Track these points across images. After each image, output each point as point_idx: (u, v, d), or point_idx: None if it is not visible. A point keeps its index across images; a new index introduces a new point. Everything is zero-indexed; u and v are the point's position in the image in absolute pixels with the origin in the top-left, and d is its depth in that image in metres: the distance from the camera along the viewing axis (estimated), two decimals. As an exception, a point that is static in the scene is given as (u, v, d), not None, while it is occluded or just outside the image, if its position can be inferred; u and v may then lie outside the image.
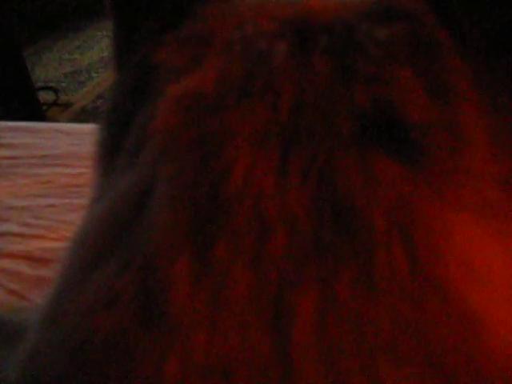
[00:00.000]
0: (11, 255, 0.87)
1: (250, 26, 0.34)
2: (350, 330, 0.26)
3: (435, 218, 0.28)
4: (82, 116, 2.95)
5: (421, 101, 0.30)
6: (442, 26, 0.32)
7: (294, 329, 0.26)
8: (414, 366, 0.26)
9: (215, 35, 0.34)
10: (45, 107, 2.97)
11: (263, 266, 0.27)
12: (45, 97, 3.06)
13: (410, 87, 0.30)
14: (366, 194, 0.28)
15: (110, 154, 0.37)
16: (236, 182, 0.28)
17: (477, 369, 0.26)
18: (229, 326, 0.26)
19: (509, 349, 0.27)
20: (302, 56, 0.32)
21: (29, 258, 0.86)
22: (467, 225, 0.28)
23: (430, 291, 0.27)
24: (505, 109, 0.31)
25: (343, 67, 0.31)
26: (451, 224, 0.28)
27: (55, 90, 3.13)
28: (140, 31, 0.39)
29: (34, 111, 2.84)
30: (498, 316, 0.27)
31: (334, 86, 0.30)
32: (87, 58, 3.53)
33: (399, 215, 0.28)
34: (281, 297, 0.27)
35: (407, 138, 0.29)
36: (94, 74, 3.33)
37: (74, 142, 1.12)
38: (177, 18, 0.37)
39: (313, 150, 0.29)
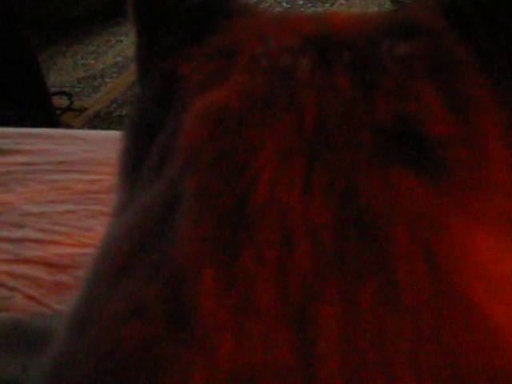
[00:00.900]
0: (29, 261, 0.88)
1: (273, 41, 0.35)
2: (372, 342, 0.26)
3: (456, 230, 0.28)
4: (95, 121, 2.97)
5: (442, 116, 0.30)
6: (462, 41, 0.33)
7: (318, 340, 0.26)
8: (435, 377, 0.26)
9: (240, 50, 0.35)
10: (59, 112, 2.99)
11: (288, 278, 0.28)
12: (59, 101, 3.07)
13: (430, 102, 0.31)
14: (388, 207, 0.28)
15: (134, 163, 0.37)
16: (261, 195, 0.29)
17: (496, 378, 0.26)
18: (254, 336, 0.27)
19: None
20: (325, 72, 0.32)
21: (46, 263, 0.87)
22: (488, 237, 0.29)
23: (451, 303, 0.27)
24: None
25: (365, 83, 0.31)
26: (472, 236, 0.28)
27: (69, 95, 3.15)
28: (163, 44, 0.39)
29: (48, 116, 2.86)
30: None
31: (356, 101, 0.31)
32: (101, 63, 3.54)
33: (421, 228, 0.28)
34: (305, 308, 0.27)
35: (428, 153, 0.29)
36: (108, 79, 3.35)
37: (89, 148, 1.12)
38: (201, 32, 0.37)
39: (336, 165, 0.29)
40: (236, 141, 0.31)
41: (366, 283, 0.27)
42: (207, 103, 0.32)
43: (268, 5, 3.57)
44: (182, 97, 0.35)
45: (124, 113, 2.91)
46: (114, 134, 1.17)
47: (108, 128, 2.85)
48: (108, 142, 1.11)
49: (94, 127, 2.90)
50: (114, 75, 3.32)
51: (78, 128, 2.90)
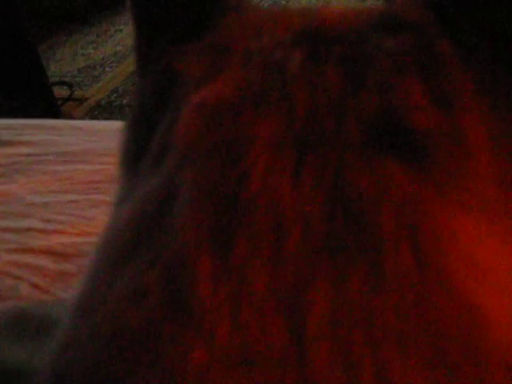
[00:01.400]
0: (33, 250, 0.90)
1: (267, 36, 0.36)
2: (360, 323, 0.28)
3: (440, 217, 0.30)
4: (96, 111, 2.98)
5: (425, 108, 0.32)
6: (445, 35, 0.34)
7: (309, 322, 0.28)
8: (419, 355, 0.27)
9: (234, 45, 0.36)
10: (60, 102, 3.00)
11: (280, 264, 0.29)
12: (59, 92, 3.08)
13: (415, 95, 0.32)
14: (374, 195, 0.30)
15: (135, 155, 0.39)
16: (255, 184, 0.31)
17: (479, 357, 0.28)
18: (249, 319, 0.28)
19: (509, 339, 0.28)
20: (315, 65, 0.34)
21: (51, 252, 0.89)
22: (470, 223, 0.30)
23: (434, 285, 0.28)
24: (505, 114, 0.33)
25: (354, 77, 0.33)
26: (455, 223, 0.30)
27: (70, 85, 3.15)
28: (160, 39, 0.41)
29: (50, 106, 2.87)
30: (499, 309, 0.29)
31: (344, 94, 0.32)
32: (101, 52, 3.55)
33: (406, 215, 0.29)
34: (296, 293, 0.29)
35: (413, 143, 0.31)
36: (108, 69, 3.35)
37: (91, 138, 1.14)
38: (197, 28, 0.39)
39: (325, 156, 0.31)
40: (230, 133, 0.32)
41: (354, 268, 0.29)
42: (202, 98, 0.34)
43: (267, -8, 3.57)
44: (178, 91, 0.36)
45: (125, 102, 2.92)
46: (115, 124, 1.19)
47: (109, 117, 2.87)
48: (109, 132, 1.13)
49: (95, 117, 2.92)
50: (114, 64, 3.33)
51: (80, 118, 2.91)
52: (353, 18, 0.37)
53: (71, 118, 2.89)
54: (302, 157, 0.31)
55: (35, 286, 0.85)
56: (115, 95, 3.05)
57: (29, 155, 1.12)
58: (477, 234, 0.30)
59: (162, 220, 0.32)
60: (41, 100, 2.85)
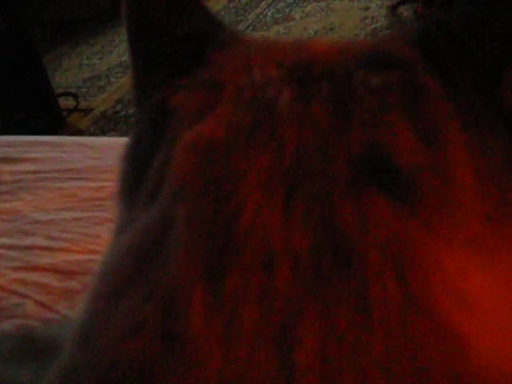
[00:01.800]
0: (38, 268, 0.91)
1: (258, 72, 0.37)
2: (348, 356, 0.29)
3: (426, 252, 0.30)
4: (101, 121, 3.00)
5: (412, 145, 0.32)
6: (432, 71, 0.35)
7: (298, 357, 0.29)
8: None
9: (226, 81, 0.37)
10: (65, 113, 3.01)
11: (270, 299, 0.30)
12: (65, 103, 3.10)
13: (402, 133, 0.33)
14: (361, 231, 0.30)
15: (132, 186, 0.40)
16: (246, 222, 0.31)
17: None
18: (240, 353, 0.29)
19: (497, 370, 0.29)
20: (304, 103, 0.34)
21: (55, 270, 0.90)
22: (456, 258, 0.31)
23: (421, 320, 0.29)
24: (491, 148, 0.34)
25: (341, 114, 0.34)
26: (441, 258, 0.31)
27: (75, 96, 3.17)
28: (156, 74, 0.42)
29: (55, 117, 2.89)
30: (484, 339, 0.30)
31: (332, 132, 0.33)
32: (106, 63, 3.57)
33: (392, 251, 0.30)
34: (286, 329, 0.29)
35: (399, 181, 0.32)
36: (113, 79, 3.37)
37: (95, 155, 1.15)
38: (191, 63, 0.40)
39: (313, 193, 0.32)
40: (222, 171, 0.33)
41: (342, 303, 0.29)
42: (194, 135, 0.35)
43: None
44: (173, 127, 0.37)
45: (130, 112, 2.93)
46: (120, 141, 1.19)
47: (114, 128, 2.88)
48: (113, 149, 1.14)
49: (100, 127, 2.93)
50: (119, 75, 3.34)
51: (85, 128, 2.93)
52: (341, 53, 0.38)
53: (77, 128, 2.90)
54: (291, 193, 0.32)
55: (40, 303, 0.86)
56: (120, 105, 3.07)
57: (34, 172, 1.13)
58: (462, 267, 0.31)
59: (157, 254, 0.33)
60: (47, 111, 2.86)
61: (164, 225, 0.34)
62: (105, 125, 2.96)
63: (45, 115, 2.86)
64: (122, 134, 2.72)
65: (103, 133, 2.88)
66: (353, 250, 0.30)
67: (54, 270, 0.90)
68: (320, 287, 0.30)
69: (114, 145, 1.16)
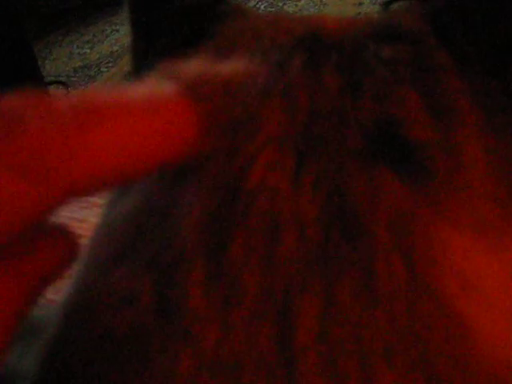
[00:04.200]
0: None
1: (267, 41, 0.36)
2: (349, 334, 0.27)
3: (434, 232, 0.29)
4: (91, 110, 2.97)
5: (423, 120, 0.31)
6: (443, 47, 0.34)
7: (298, 332, 0.28)
8: (407, 368, 0.27)
9: (235, 47, 0.36)
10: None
11: (273, 269, 0.28)
12: (55, 91, 3.07)
13: (412, 106, 0.31)
14: (370, 206, 0.29)
15: None
16: (255, 179, 0.30)
17: (468, 371, 0.28)
18: (238, 327, 0.28)
19: (499, 354, 0.28)
20: (313, 71, 0.33)
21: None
22: (464, 239, 0.30)
23: (425, 300, 0.28)
24: (502, 128, 0.33)
25: (351, 84, 0.32)
26: (449, 238, 0.29)
27: (65, 85, 3.15)
28: (159, 43, 0.41)
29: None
30: (489, 324, 0.29)
31: (342, 102, 0.32)
32: (97, 52, 3.54)
33: (399, 227, 0.29)
34: (287, 300, 0.28)
35: (410, 156, 0.31)
36: (104, 69, 3.35)
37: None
38: (196, 35, 0.38)
39: (324, 162, 0.30)
40: (240, 116, 0.31)
41: (346, 277, 0.28)
42: (212, 75, 0.33)
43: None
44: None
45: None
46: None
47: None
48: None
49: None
50: (110, 64, 3.32)
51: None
52: (351, 26, 0.37)
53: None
54: (302, 158, 0.30)
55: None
56: (110, 95, 3.04)
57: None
58: (471, 249, 0.30)
59: (163, 219, 0.31)
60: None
61: (171, 183, 0.32)
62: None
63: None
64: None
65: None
66: (361, 224, 0.29)
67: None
68: (325, 260, 0.29)
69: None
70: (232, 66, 0.34)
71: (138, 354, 0.29)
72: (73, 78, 3.30)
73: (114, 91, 0.29)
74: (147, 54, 0.41)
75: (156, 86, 0.31)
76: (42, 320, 0.59)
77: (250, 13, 0.41)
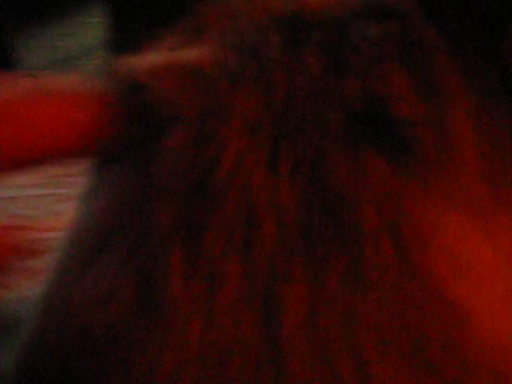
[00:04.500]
0: (-2, 247, 0.88)
1: (243, 19, 0.34)
2: (338, 321, 0.27)
3: (422, 211, 0.28)
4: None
5: (410, 98, 0.30)
6: (431, 24, 0.32)
7: (284, 320, 0.27)
8: (399, 354, 0.26)
9: (209, 26, 0.34)
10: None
11: (253, 257, 0.27)
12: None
13: (399, 84, 0.30)
14: (355, 188, 0.28)
15: None
16: (227, 166, 0.29)
17: (462, 357, 0.27)
18: (222, 317, 0.27)
19: (493, 339, 0.27)
20: (293, 50, 0.32)
21: (16, 250, 0.87)
22: (454, 220, 0.29)
23: (416, 283, 0.27)
24: (493, 108, 0.31)
25: (334, 63, 0.31)
26: (438, 219, 0.28)
27: (44, 78, 3.13)
28: (135, 25, 0.39)
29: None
30: (483, 308, 0.28)
31: (325, 80, 0.30)
32: (78, 44, 3.52)
33: (388, 210, 0.28)
34: (270, 288, 0.27)
35: (396, 134, 0.29)
36: (86, 62, 3.33)
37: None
38: (171, 15, 0.37)
39: (303, 143, 0.29)
40: (209, 104, 0.30)
41: (333, 262, 0.27)
42: (178, 63, 0.32)
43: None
44: None
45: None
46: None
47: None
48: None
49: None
50: (91, 57, 3.30)
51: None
52: (334, 4, 0.35)
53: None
54: (278, 142, 0.29)
55: (1, 284, 0.82)
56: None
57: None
58: (461, 230, 0.29)
59: (139, 211, 0.30)
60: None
61: (145, 174, 0.30)
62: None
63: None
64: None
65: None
66: (345, 207, 0.28)
67: (13, 249, 0.87)
68: (308, 246, 0.27)
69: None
70: (201, 51, 0.32)
71: (118, 351, 0.28)
72: (53, 71, 3.28)
73: (48, 81, 0.30)
74: (125, 34, 0.40)
75: (86, 82, 0.31)
76: (17, 317, 0.57)
77: None
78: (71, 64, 3.29)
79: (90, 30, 3.61)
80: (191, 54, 0.32)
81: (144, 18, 0.39)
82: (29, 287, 0.81)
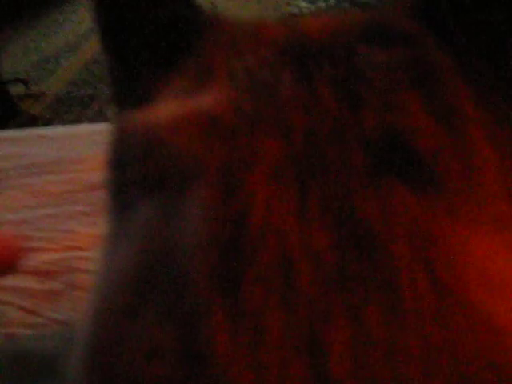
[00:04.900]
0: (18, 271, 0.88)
1: (250, 55, 0.34)
2: (382, 358, 0.27)
3: (452, 238, 0.29)
4: (55, 104, 2.92)
5: (428, 126, 0.30)
6: (441, 47, 0.33)
7: (331, 365, 0.27)
8: (444, 381, 0.27)
9: (217, 66, 0.34)
10: (17, 100, 2.93)
11: (293, 304, 0.28)
12: (15, 89, 3.01)
13: (416, 112, 0.30)
14: (385, 222, 0.28)
15: (122, 185, 0.36)
16: (258, 214, 0.29)
17: (505, 378, 0.27)
18: (270, 364, 0.27)
19: None
20: (306, 85, 0.31)
21: (34, 272, 0.87)
22: (483, 240, 0.29)
23: (453, 309, 0.27)
24: (506, 122, 0.32)
25: (348, 95, 0.31)
26: (468, 242, 0.29)
27: (25, 82, 3.09)
28: (137, 66, 0.39)
29: (7, 105, 2.80)
30: None
31: (342, 115, 0.30)
32: (53, 44, 3.47)
33: (417, 239, 0.28)
34: (314, 334, 0.27)
35: (419, 164, 0.29)
36: (62, 60, 3.28)
37: (58, 146, 1.11)
38: (174, 52, 0.37)
39: (329, 183, 0.29)
40: (230, 152, 0.30)
41: (371, 301, 0.27)
42: (194, 109, 0.31)
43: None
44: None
45: (83, 92, 2.86)
46: (82, 129, 1.16)
47: (69, 110, 2.81)
48: (77, 138, 1.10)
49: (55, 111, 2.86)
50: (68, 55, 3.25)
51: (39, 113, 2.85)
52: (337, 27, 0.35)
53: (30, 115, 2.83)
54: (304, 184, 0.29)
55: (23, 309, 0.83)
56: (73, 86, 3.00)
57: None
58: (490, 249, 0.29)
59: (173, 267, 0.30)
60: (-3, 100, 2.78)
61: (170, 223, 0.30)
62: (59, 107, 2.89)
63: (-4, 104, 2.78)
64: (77, 116, 2.66)
65: (58, 116, 2.81)
66: (377, 243, 0.28)
67: (32, 272, 0.87)
68: (345, 286, 0.28)
69: (76, 134, 1.12)
70: (215, 96, 0.32)
71: None
72: (32, 74, 3.23)
73: None
74: (126, 79, 0.39)
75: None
76: (53, 353, 0.58)
77: (227, 23, 0.39)
78: (50, 65, 3.25)
79: (63, 28, 3.56)
80: (205, 99, 0.32)
81: (146, 59, 0.38)
82: (54, 310, 0.82)
